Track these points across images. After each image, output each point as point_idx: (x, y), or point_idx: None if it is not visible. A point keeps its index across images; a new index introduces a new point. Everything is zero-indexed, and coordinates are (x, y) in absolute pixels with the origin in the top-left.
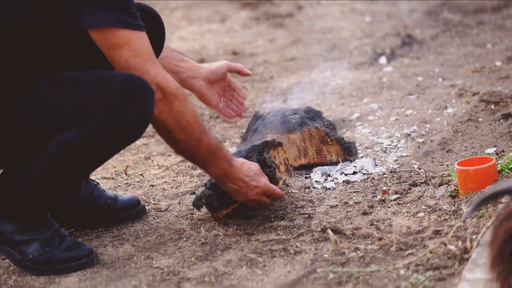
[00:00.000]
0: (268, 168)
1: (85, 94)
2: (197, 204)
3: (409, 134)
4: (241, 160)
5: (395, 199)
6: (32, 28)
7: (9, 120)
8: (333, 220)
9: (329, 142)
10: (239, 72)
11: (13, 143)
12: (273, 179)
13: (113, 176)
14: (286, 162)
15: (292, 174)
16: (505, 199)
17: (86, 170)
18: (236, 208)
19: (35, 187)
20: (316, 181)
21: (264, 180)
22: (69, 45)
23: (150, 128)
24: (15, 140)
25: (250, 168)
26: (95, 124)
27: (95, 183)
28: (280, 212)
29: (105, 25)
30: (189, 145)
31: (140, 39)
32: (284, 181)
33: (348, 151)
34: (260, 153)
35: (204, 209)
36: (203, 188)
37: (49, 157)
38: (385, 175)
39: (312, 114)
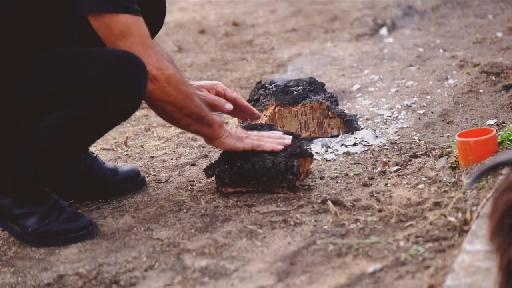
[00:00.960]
0: (291, 175)
1: (77, 72)
2: (208, 172)
3: (409, 106)
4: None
5: (395, 171)
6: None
7: (4, 98)
8: (333, 191)
9: (330, 115)
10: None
11: (8, 121)
12: (292, 188)
13: (113, 148)
14: (308, 173)
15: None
16: (505, 171)
17: (79, 146)
18: (243, 192)
19: (31, 164)
20: (316, 153)
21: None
22: (69, 45)
23: None
24: (10, 118)
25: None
26: (88, 102)
27: (94, 155)
28: None
29: (106, 11)
30: (191, 120)
31: (140, 25)
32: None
33: (349, 125)
34: (290, 158)
35: (204, 180)
36: (220, 157)
37: (44, 135)
38: (386, 147)
39: (314, 86)
